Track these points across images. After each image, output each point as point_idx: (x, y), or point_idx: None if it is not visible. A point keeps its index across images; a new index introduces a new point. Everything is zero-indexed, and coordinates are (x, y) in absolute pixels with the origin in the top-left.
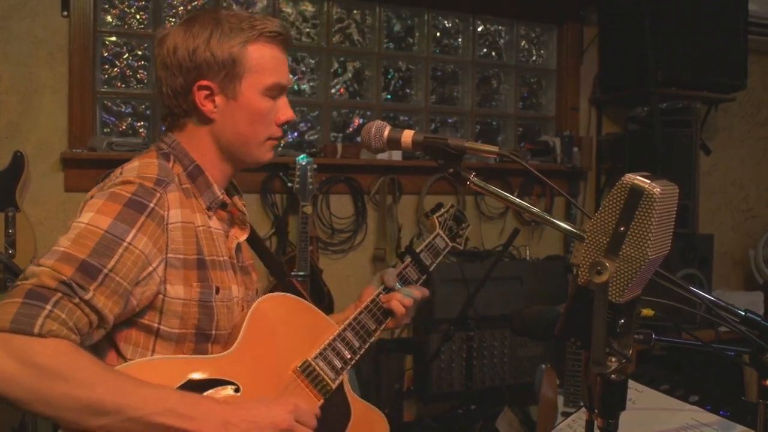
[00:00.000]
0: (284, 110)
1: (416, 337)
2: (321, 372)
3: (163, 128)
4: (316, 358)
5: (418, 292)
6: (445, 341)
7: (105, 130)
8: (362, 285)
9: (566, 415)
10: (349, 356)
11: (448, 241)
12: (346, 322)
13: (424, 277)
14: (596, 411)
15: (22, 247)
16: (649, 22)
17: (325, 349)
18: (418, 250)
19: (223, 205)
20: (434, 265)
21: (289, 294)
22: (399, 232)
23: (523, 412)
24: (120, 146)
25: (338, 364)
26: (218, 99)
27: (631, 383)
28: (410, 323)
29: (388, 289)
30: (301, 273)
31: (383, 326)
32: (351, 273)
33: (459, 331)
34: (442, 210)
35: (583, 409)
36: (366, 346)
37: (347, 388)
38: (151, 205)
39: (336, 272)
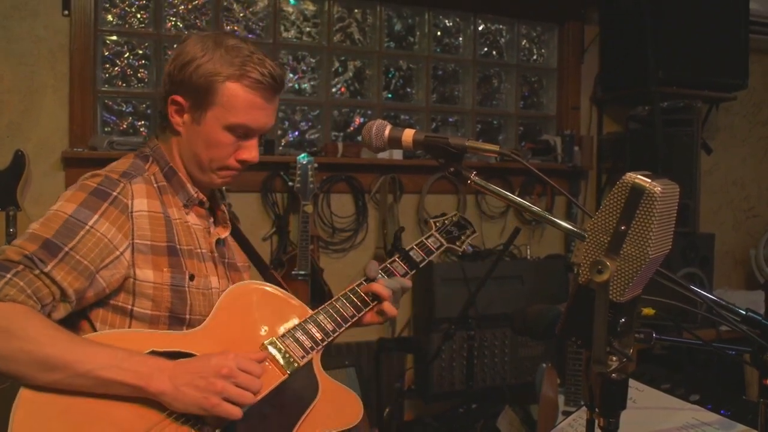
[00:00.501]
0: (248, 150)
1: (417, 336)
2: (287, 349)
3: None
4: (283, 336)
5: (398, 282)
6: (445, 340)
7: (106, 129)
8: None
9: (567, 414)
10: (320, 337)
11: (443, 241)
12: (321, 307)
13: (413, 272)
14: (597, 410)
15: None
16: (650, 22)
17: (294, 328)
18: (407, 248)
19: (201, 203)
20: (425, 261)
21: (265, 283)
22: (400, 231)
23: (524, 411)
24: (121, 145)
25: (308, 343)
26: (186, 116)
27: (631, 382)
28: (410, 322)
29: (370, 280)
30: (302, 272)
31: (362, 313)
32: (352, 272)
33: (460, 330)
34: (444, 217)
35: (584, 408)
36: (341, 330)
37: (318, 367)
38: (114, 193)
39: (337, 271)
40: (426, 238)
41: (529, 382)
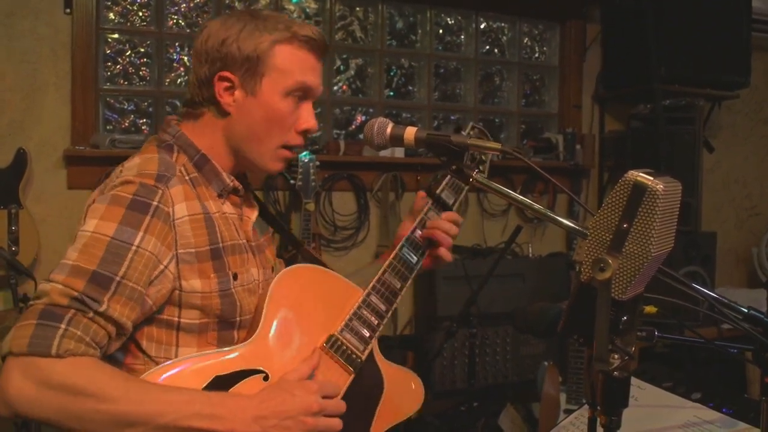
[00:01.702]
0: (306, 117)
1: (418, 335)
2: (349, 345)
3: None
4: (342, 331)
5: (452, 216)
6: (447, 338)
7: (108, 127)
8: (365, 282)
9: (569, 412)
10: (376, 323)
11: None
12: (370, 286)
13: None
14: (599, 408)
15: (26, 244)
16: (652, 20)
17: (350, 319)
18: (438, 191)
19: (236, 191)
20: (457, 202)
21: (306, 264)
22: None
23: (526, 410)
24: (123, 143)
25: (366, 332)
26: (237, 93)
27: (633, 380)
28: (412, 320)
29: (416, 230)
30: None
31: (408, 282)
32: (353, 270)
33: (461, 329)
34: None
35: (586, 406)
36: (392, 308)
37: (377, 355)
38: (154, 203)
39: (338, 269)
40: (450, 178)
41: (530, 380)
